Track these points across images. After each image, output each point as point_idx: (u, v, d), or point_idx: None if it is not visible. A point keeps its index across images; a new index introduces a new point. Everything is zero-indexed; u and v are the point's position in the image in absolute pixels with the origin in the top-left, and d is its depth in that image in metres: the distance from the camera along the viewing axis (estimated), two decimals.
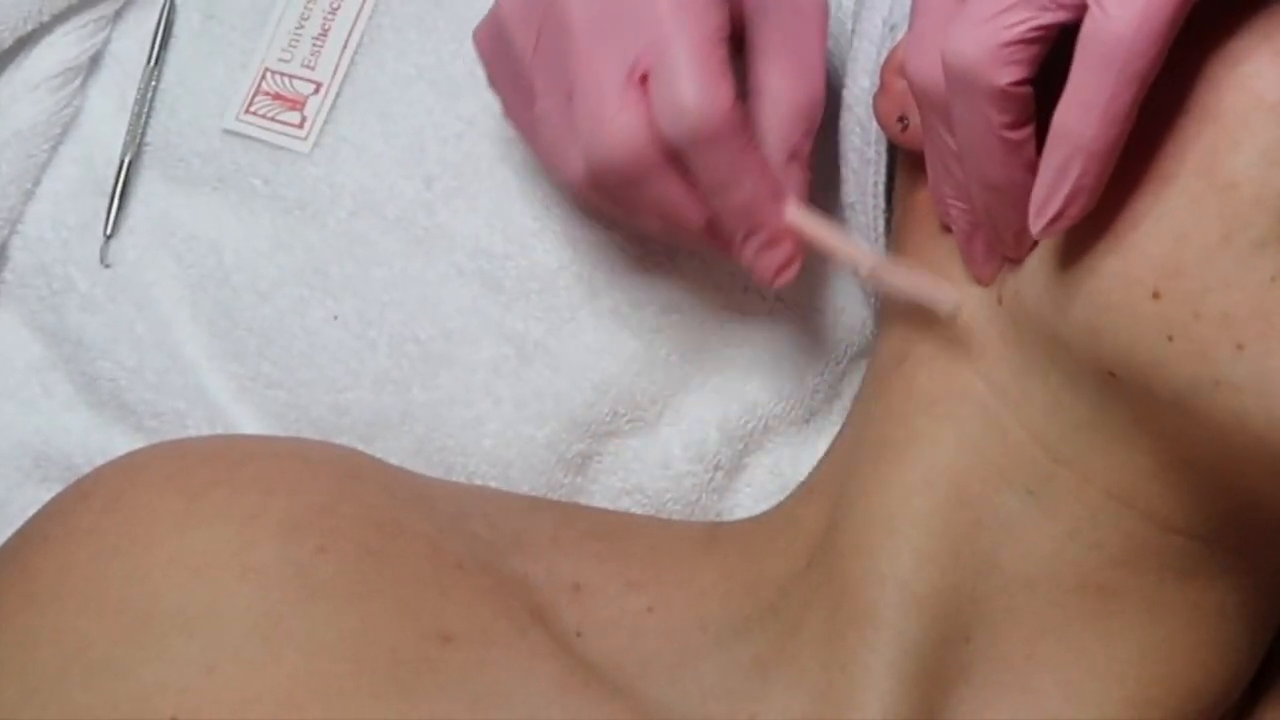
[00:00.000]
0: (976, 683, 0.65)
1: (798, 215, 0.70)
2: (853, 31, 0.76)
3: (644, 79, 0.67)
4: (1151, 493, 0.64)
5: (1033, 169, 0.60)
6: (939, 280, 0.67)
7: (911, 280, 0.68)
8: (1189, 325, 0.59)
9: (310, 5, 0.80)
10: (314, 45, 0.80)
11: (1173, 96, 0.59)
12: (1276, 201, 0.59)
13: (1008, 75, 0.59)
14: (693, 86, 0.66)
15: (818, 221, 0.70)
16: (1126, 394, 0.62)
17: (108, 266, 0.79)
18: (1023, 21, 0.59)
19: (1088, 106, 0.57)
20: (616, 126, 0.67)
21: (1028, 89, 0.60)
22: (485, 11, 0.77)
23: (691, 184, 0.69)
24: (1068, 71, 0.58)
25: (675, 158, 0.68)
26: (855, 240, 0.71)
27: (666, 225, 0.71)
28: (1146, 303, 0.60)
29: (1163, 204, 0.60)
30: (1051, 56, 0.60)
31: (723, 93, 0.66)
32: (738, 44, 0.70)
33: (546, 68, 0.70)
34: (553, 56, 0.69)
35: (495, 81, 0.75)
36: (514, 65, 0.72)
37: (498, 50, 0.73)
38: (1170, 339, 0.60)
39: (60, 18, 0.79)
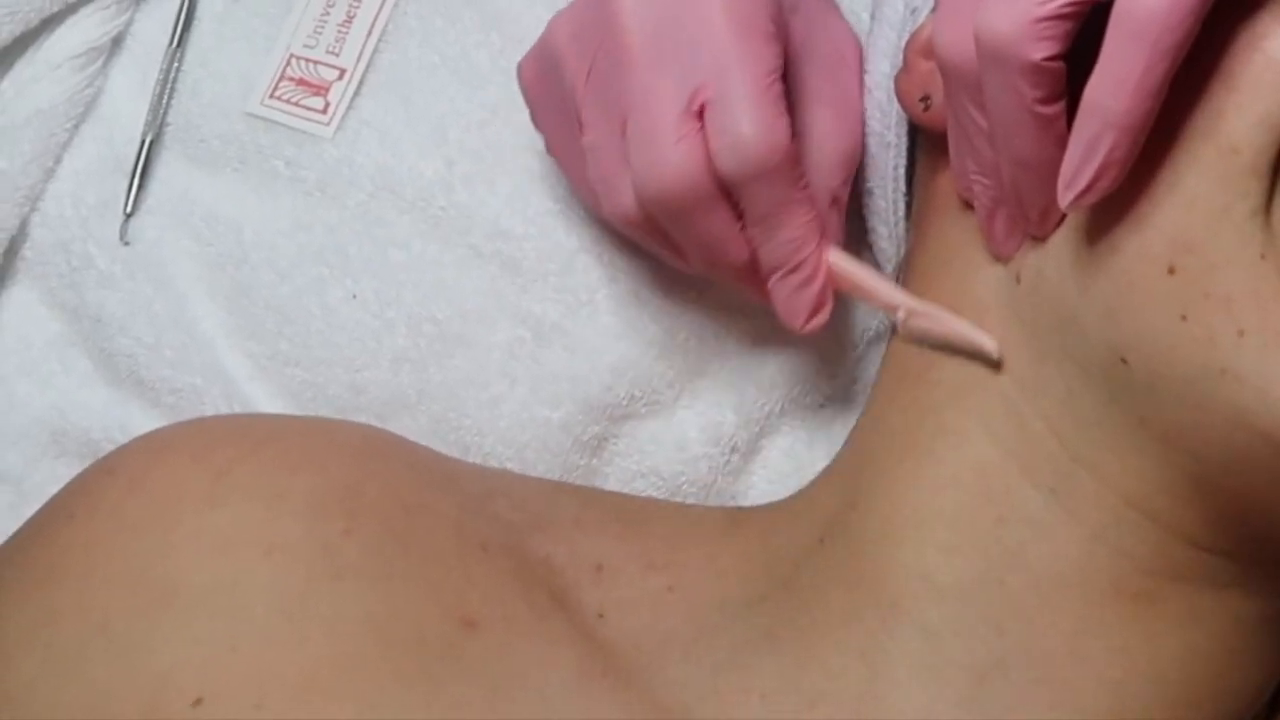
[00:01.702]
0: (1014, 675, 0.65)
1: (839, 257, 0.71)
2: (872, 16, 0.76)
3: (702, 110, 0.68)
4: (1168, 507, 0.64)
5: (1063, 145, 0.61)
6: (974, 326, 0.67)
7: (950, 324, 0.68)
8: (1200, 305, 0.60)
9: None
10: (339, 32, 0.80)
11: (1196, 69, 0.59)
12: (1270, 169, 0.59)
13: (1041, 50, 0.59)
14: (753, 121, 0.67)
15: (858, 265, 0.71)
16: (1136, 385, 0.62)
17: (127, 244, 0.79)
18: None
19: (1120, 81, 0.58)
20: (674, 157, 0.68)
21: (1060, 64, 0.60)
22: (510, 6, 0.78)
23: (738, 219, 0.69)
24: (1097, 47, 0.59)
25: (726, 191, 0.68)
26: (891, 285, 0.71)
27: (708, 259, 0.71)
28: (1162, 279, 0.60)
29: (1176, 173, 0.60)
30: (1082, 33, 0.60)
31: (781, 129, 0.67)
32: (785, 85, 0.70)
33: (599, 97, 0.70)
34: (607, 85, 0.69)
35: (539, 114, 0.75)
36: (562, 95, 0.72)
37: (545, 80, 0.73)
38: (1184, 319, 0.60)
39: None
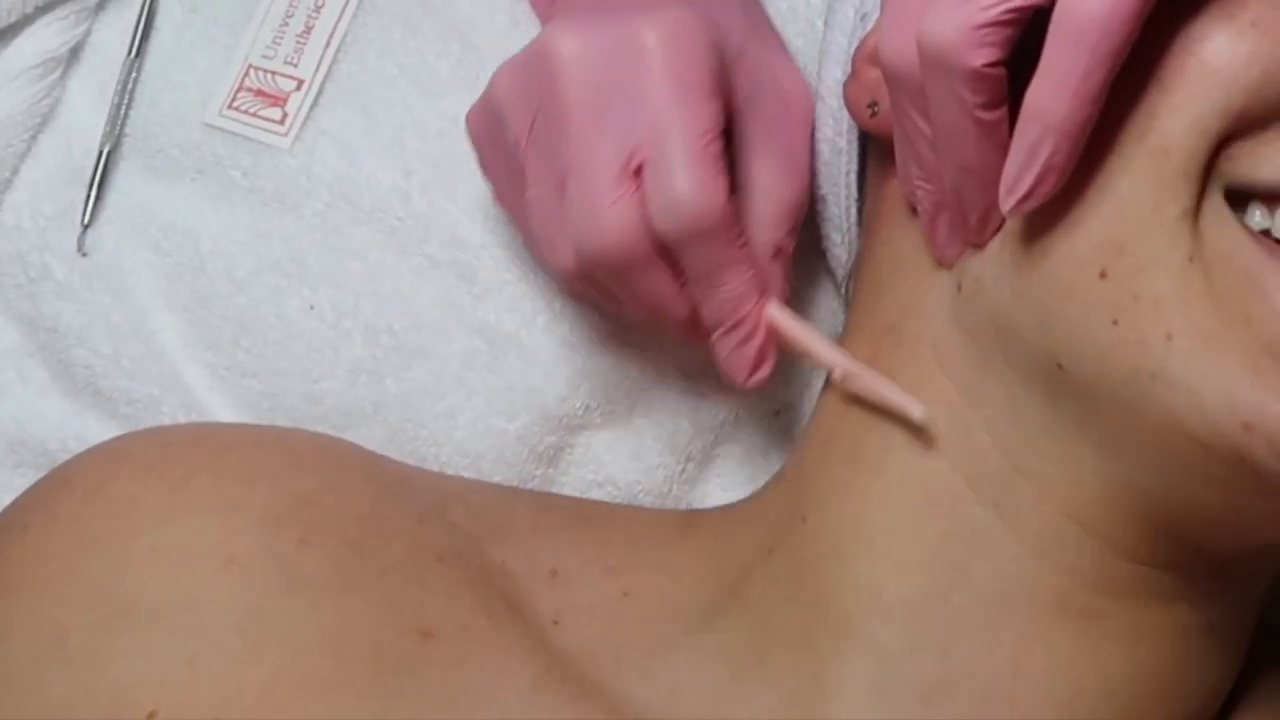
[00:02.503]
0: (960, 696, 0.66)
1: (778, 314, 0.71)
2: (825, 24, 0.77)
3: (639, 170, 0.68)
4: (1107, 520, 0.64)
5: (1004, 150, 0.61)
6: (905, 393, 0.67)
7: (881, 389, 0.68)
8: (1130, 309, 0.61)
9: (295, 2, 0.81)
10: (297, 42, 0.80)
11: (1131, 72, 0.60)
12: (1200, 173, 0.60)
13: (981, 57, 0.60)
14: (689, 181, 0.67)
15: (796, 322, 0.71)
16: (1073, 390, 0.63)
17: (85, 255, 0.79)
18: (997, 4, 0.60)
19: (1060, 85, 0.59)
20: (610, 217, 0.68)
21: (1001, 70, 0.61)
22: (471, 16, 0.77)
23: (678, 276, 0.69)
24: (1038, 54, 0.59)
25: (665, 250, 0.68)
26: (830, 344, 0.71)
27: (648, 314, 0.71)
28: (1094, 284, 0.61)
29: (1109, 177, 0.61)
30: (1022, 39, 0.61)
31: (717, 189, 0.67)
32: (728, 135, 0.70)
33: (540, 154, 0.70)
34: (547, 143, 0.69)
35: (486, 165, 0.75)
36: (507, 150, 0.72)
37: (491, 134, 0.73)
38: (1115, 323, 0.61)
39: (42, 8, 0.79)
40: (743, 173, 0.71)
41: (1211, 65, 0.60)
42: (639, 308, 0.71)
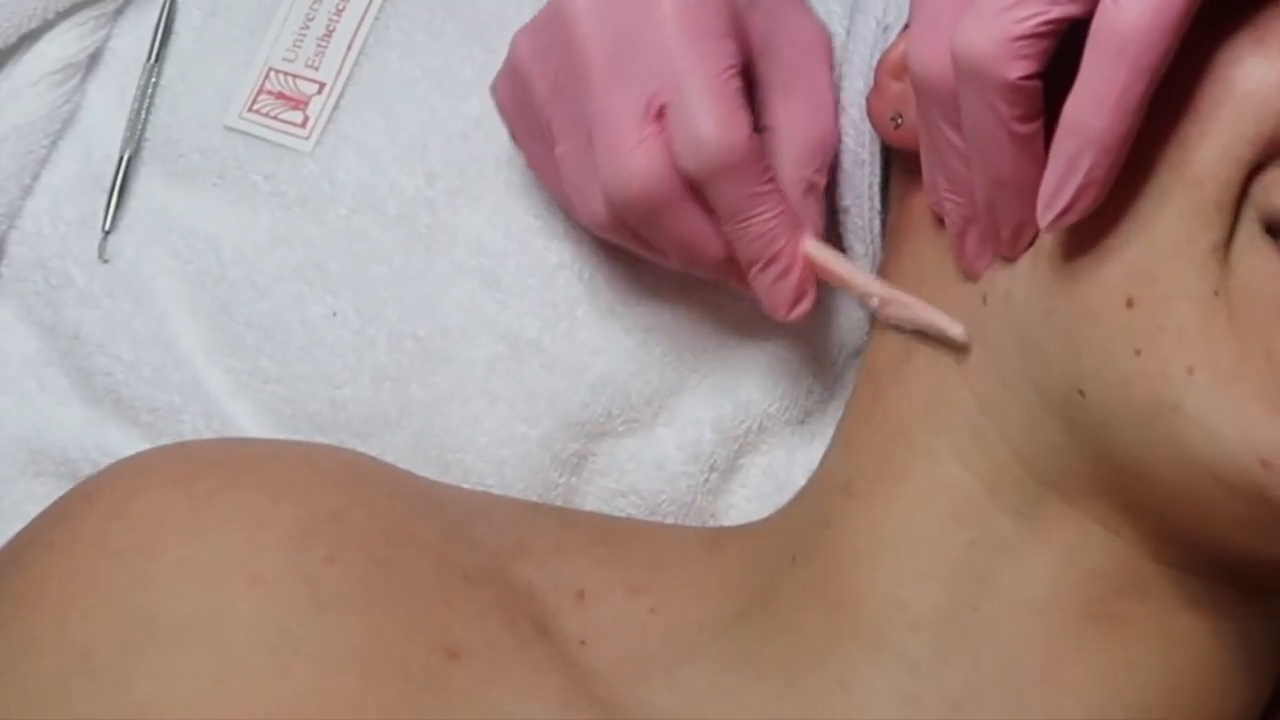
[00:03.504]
0: (990, 705, 0.66)
1: (813, 247, 0.71)
2: (847, 34, 0.76)
3: (660, 113, 0.68)
4: (1132, 529, 0.64)
5: (1039, 163, 0.61)
6: (944, 315, 0.68)
7: (922, 312, 0.68)
8: (1155, 338, 0.60)
9: (316, 5, 0.80)
10: (319, 45, 0.80)
11: (1165, 96, 0.60)
12: (1233, 203, 0.60)
13: (1018, 69, 0.60)
14: (709, 119, 0.67)
15: (833, 254, 0.72)
16: (1092, 419, 0.62)
17: (106, 262, 0.79)
18: (1034, 16, 0.59)
19: (1100, 99, 0.58)
20: (635, 161, 0.68)
21: (1037, 83, 0.61)
22: (494, 18, 0.77)
23: (710, 216, 0.70)
24: (1074, 67, 0.59)
25: (694, 190, 0.69)
26: (868, 274, 0.72)
27: (686, 257, 0.72)
28: (1120, 311, 0.61)
29: (1139, 202, 0.61)
30: (1058, 52, 0.60)
31: (739, 124, 0.68)
32: (748, 81, 0.71)
33: (564, 110, 0.71)
34: (570, 98, 0.70)
35: (516, 133, 0.75)
36: (533, 111, 0.72)
37: (517, 97, 0.74)
38: (1138, 353, 0.60)
39: (62, 14, 0.79)
40: (766, 115, 0.72)
41: (1242, 90, 0.60)
42: (675, 251, 0.72)
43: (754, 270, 0.71)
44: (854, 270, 0.72)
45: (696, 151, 0.68)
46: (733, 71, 0.69)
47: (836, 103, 0.74)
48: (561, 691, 0.66)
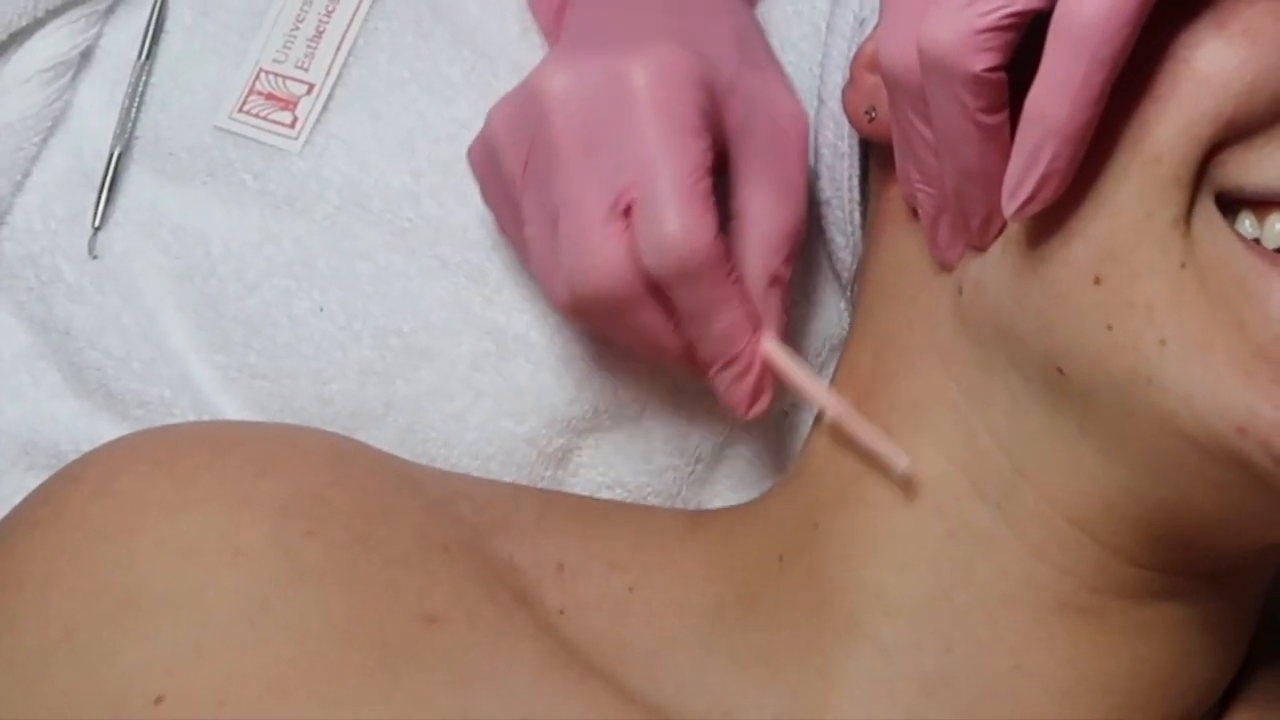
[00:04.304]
0: (961, 689, 0.66)
1: (772, 349, 0.71)
2: (827, 28, 0.77)
3: (629, 209, 0.68)
4: (1105, 525, 0.65)
5: (1005, 154, 0.62)
6: (892, 443, 0.67)
7: (869, 435, 0.68)
8: (1125, 315, 0.61)
9: (306, 7, 0.81)
10: (308, 46, 0.81)
11: (1124, 80, 0.60)
12: (1191, 179, 0.60)
13: (983, 61, 0.61)
14: (675, 221, 0.67)
15: (790, 358, 0.71)
16: (1072, 394, 0.63)
17: (96, 258, 0.79)
18: (996, 9, 0.60)
19: (1061, 89, 0.59)
20: (599, 256, 0.68)
21: (1002, 75, 0.61)
22: (482, 22, 0.78)
23: (671, 313, 0.70)
24: (1037, 59, 0.60)
25: (656, 288, 0.69)
26: (822, 384, 0.71)
27: (645, 350, 0.72)
28: (1089, 290, 0.62)
29: (1103, 183, 0.62)
30: (1023, 44, 0.61)
31: (704, 227, 0.67)
32: (721, 164, 0.71)
33: (534, 191, 0.70)
34: (540, 180, 0.70)
35: (488, 198, 0.75)
36: (504, 185, 0.72)
37: (489, 169, 0.73)
38: (1109, 328, 0.61)
39: (53, 12, 0.79)
40: (736, 203, 0.72)
41: (1202, 73, 0.61)
42: (634, 344, 0.72)
43: (714, 369, 0.71)
44: (810, 379, 0.71)
45: (660, 252, 0.67)
46: (703, 170, 0.68)
47: (808, 189, 0.74)
48: (541, 654, 0.66)
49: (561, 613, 0.69)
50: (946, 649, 0.66)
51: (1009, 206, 0.62)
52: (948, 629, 0.66)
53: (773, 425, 0.80)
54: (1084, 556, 0.65)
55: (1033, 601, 0.66)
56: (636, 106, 0.68)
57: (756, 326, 0.70)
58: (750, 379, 0.71)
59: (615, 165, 0.68)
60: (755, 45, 0.75)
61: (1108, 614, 0.66)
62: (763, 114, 0.72)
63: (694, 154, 0.68)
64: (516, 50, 0.81)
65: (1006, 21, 0.60)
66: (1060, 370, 0.63)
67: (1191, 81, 0.61)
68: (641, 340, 0.71)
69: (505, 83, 0.79)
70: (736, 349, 0.70)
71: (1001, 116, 0.62)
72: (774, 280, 0.71)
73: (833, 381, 0.74)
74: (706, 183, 0.68)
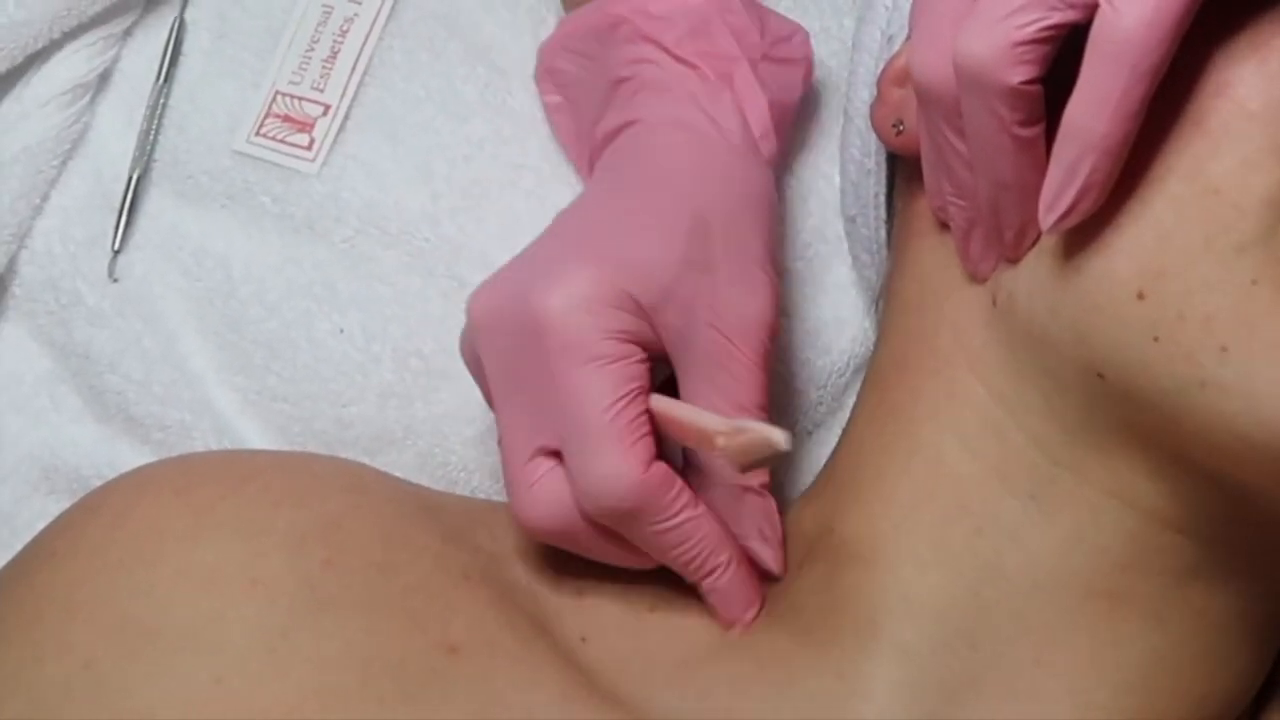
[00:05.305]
0: (985, 690, 0.66)
1: (656, 403, 0.67)
2: (853, 44, 0.77)
3: (557, 450, 0.67)
4: (1150, 491, 0.64)
5: (1041, 167, 0.62)
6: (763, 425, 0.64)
7: (747, 434, 0.64)
8: (1174, 326, 0.60)
9: (320, 28, 0.81)
10: (323, 68, 0.81)
11: (1162, 101, 0.60)
12: (1257, 206, 0.60)
13: (1020, 74, 0.60)
14: (599, 464, 0.65)
15: (675, 407, 0.67)
16: (1115, 395, 0.63)
17: (115, 281, 0.79)
18: (1034, 21, 0.60)
19: (1100, 103, 0.59)
20: (534, 502, 0.67)
21: (1038, 87, 0.61)
22: (497, 39, 0.78)
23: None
24: (1074, 72, 0.59)
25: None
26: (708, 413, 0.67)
27: (620, 565, 0.69)
28: (1132, 304, 0.61)
29: (1148, 207, 0.61)
30: (1059, 57, 0.61)
31: (631, 466, 0.65)
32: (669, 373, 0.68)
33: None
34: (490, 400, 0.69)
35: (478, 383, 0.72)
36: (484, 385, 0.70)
37: (475, 364, 0.71)
38: (1156, 339, 0.61)
39: (70, 35, 0.80)
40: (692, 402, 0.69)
41: (1249, 110, 0.60)
42: (609, 561, 0.70)
43: (695, 582, 0.69)
44: (698, 413, 0.66)
45: (589, 499, 0.66)
46: (624, 402, 0.65)
47: (765, 390, 0.69)
48: (562, 684, 0.66)
49: (583, 640, 0.68)
50: (972, 647, 0.66)
51: (1047, 219, 0.61)
52: (973, 626, 0.66)
53: (796, 448, 0.79)
54: (1120, 528, 0.65)
55: (1060, 589, 0.65)
56: (545, 341, 0.66)
57: (729, 539, 0.68)
58: (735, 589, 0.69)
59: (536, 406, 0.66)
60: (717, 238, 0.69)
61: (1131, 599, 0.65)
62: (703, 321, 0.68)
63: (611, 385, 0.66)
64: (530, 65, 0.81)
65: (1044, 34, 0.60)
66: (1101, 375, 0.63)
67: (1243, 118, 0.60)
68: (611, 560, 0.69)
69: (519, 99, 0.80)
70: (711, 565, 0.68)
71: (1038, 129, 0.62)
72: (744, 489, 0.70)
73: (859, 394, 0.73)
74: (630, 413, 0.66)
